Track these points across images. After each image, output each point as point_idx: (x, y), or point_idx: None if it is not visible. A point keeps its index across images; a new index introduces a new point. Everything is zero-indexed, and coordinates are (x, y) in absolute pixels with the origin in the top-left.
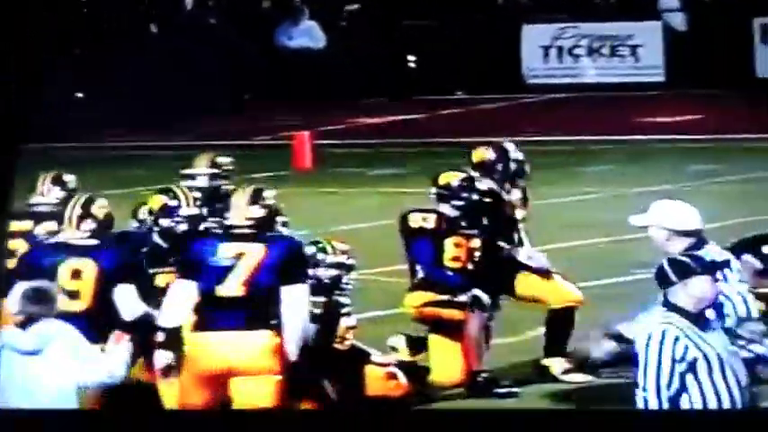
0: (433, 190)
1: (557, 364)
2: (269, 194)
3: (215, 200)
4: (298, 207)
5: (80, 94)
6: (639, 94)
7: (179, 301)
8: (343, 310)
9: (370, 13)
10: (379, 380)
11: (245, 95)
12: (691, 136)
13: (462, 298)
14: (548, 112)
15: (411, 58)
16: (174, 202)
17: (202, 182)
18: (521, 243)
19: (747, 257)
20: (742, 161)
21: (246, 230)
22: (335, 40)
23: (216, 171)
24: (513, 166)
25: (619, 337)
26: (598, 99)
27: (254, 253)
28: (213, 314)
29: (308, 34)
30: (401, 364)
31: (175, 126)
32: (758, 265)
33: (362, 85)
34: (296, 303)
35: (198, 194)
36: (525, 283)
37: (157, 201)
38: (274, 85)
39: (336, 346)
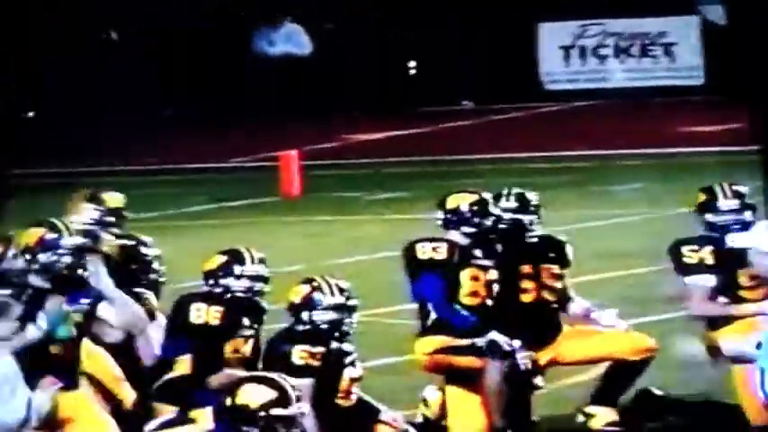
0: (440, 215)
1: (603, 415)
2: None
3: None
4: (285, 239)
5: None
6: (675, 100)
7: None
8: (347, 360)
9: (362, 15)
10: None
11: (221, 112)
12: (735, 147)
13: (479, 342)
14: (570, 123)
15: (411, 64)
16: (53, 235)
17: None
18: (567, 300)
19: None
20: None
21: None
22: (322, 45)
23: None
24: (535, 218)
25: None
26: (627, 106)
27: None
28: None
29: (290, 39)
30: (416, 423)
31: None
32: None
33: (355, 96)
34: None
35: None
36: (577, 340)
37: (33, 234)
38: (254, 99)
39: (340, 402)
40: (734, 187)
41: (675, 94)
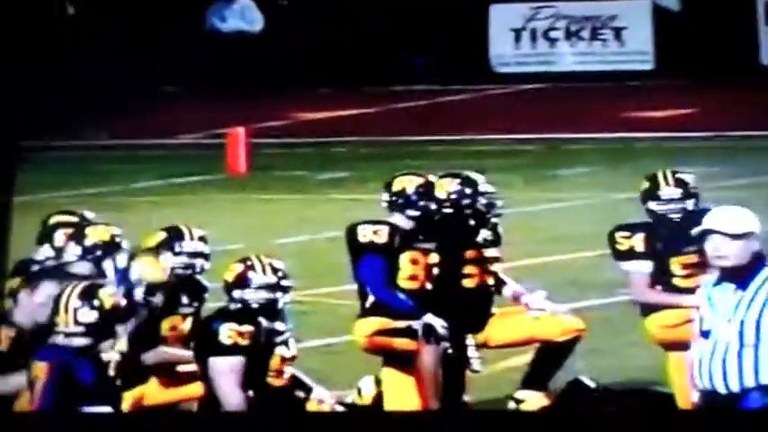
0: (386, 197)
1: (533, 399)
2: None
3: None
4: (230, 217)
5: None
6: (625, 85)
7: None
8: (278, 339)
9: None
10: None
11: (170, 87)
12: (683, 133)
13: (415, 325)
14: (519, 106)
15: (362, 42)
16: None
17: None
18: (500, 284)
19: None
20: (744, 162)
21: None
22: (273, 21)
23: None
24: (481, 201)
25: None
26: (577, 90)
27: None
28: None
29: (242, 15)
30: (348, 404)
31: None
32: None
33: (305, 74)
34: None
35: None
36: (507, 323)
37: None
38: (203, 75)
39: (271, 381)
40: (677, 175)
41: (625, 78)
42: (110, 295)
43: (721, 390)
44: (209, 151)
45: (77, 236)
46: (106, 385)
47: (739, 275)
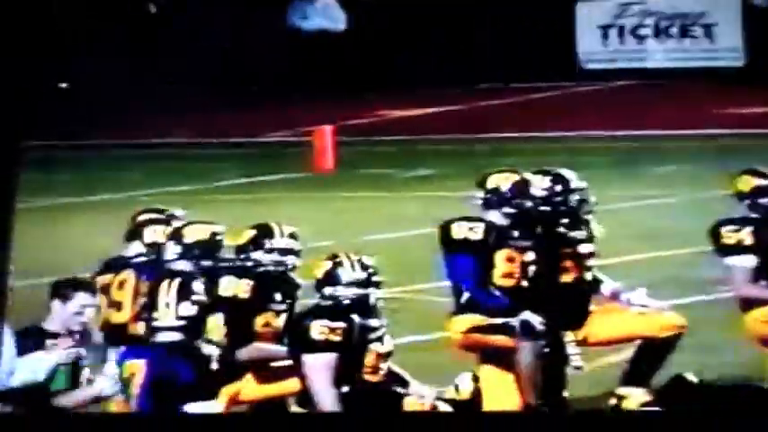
0: (480, 194)
1: (636, 395)
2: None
3: None
4: (317, 214)
5: (64, 85)
6: (715, 81)
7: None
8: (372, 335)
9: None
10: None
11: (254, 86)
12: None
13: (513, 321)
14: (607, 103)
15: (448, 41)
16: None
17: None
18: (597, 281)
19: None
20: None
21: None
22: (357, 19)
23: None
24: (574, 198)
25: None
26: (666, 87)
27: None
28: None
29: (325, 14)
30: (448, 400)
31: (167, 122)
32: None
33: (391, 73)
34: None
35: None
36: (607, 320)
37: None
38: (288, 74)
39: (367, 377)
40: None
41: (716, 75)
42: (204, 289)
43: None
44: (295, 149)
45: (177, 235)
46: (207, 381)
47: None
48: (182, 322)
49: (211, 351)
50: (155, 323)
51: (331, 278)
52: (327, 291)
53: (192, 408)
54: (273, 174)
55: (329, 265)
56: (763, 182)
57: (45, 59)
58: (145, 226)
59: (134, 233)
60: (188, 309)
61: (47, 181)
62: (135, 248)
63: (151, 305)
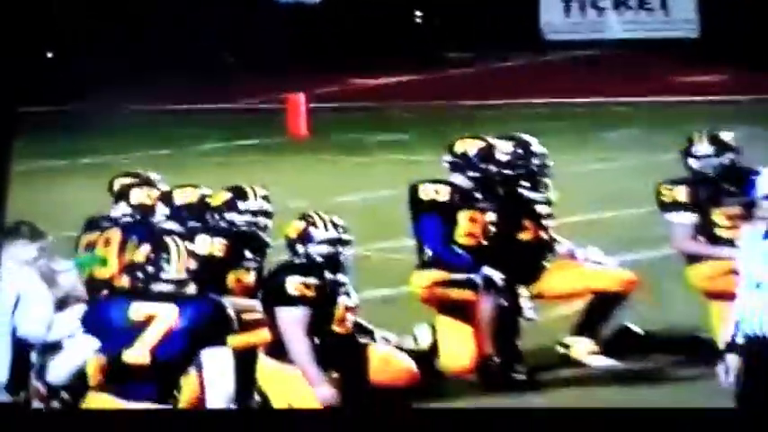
0: (447, 158)
1: (583, 345)
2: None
3: None
4: (292, 177)
5: (50, 54)
6: (670, 51)
7: (74, 358)
8: (342, 290)
9: None
10: (382, 362)
11: (230, 56)
12: (727, 97)
13: (474, 277)
14: (568, 72)
15: (416, 12)
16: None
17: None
18: (553, 241)
19: None
20: None
21: (170, 288)
22: None
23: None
24: (534, 162)
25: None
26: (624, 57)
27: (166, 316)
28: (122, 383)
29: None
30: (407, 350)
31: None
32: None
33: (362, 42)
34: (220, 367)
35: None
36: (561, 276)
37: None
38: (263, 44)
39: (336, 328)
40: (714, 134)
41: (670, 45)
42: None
43: None
44: (270, 116)
45: (166, 197)
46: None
47: None
48: (189, 275)
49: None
50: (162, 275)
51: (304, 237)
52: (300, 249)
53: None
54: (250, 139)
55: (303, 224)
56: (700, 145)
57: (35, 29)
58: (129, 188)
59: (120, 195)
60: (192, 264)
61: (35, 145)
62: (121, 209)
63: (156, 260)
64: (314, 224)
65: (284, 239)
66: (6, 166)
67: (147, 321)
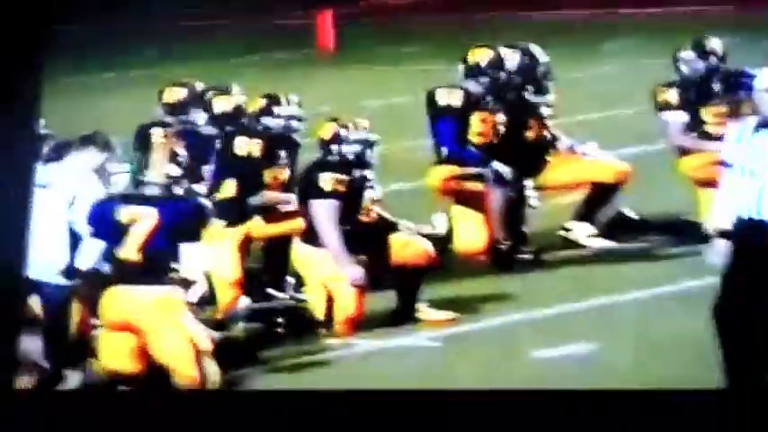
0: (462, 67)
1: (582, 229)
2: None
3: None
4: (321, 86)
5: None
6: None
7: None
8: (368, 184)
9: None
10: (404, 247)
11: None
12: (714, 6)
13: (485, 171)
14: None
15: None
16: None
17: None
18: (554, 138)
19: None
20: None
21: (153, 190)
22: None
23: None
24: (539, 69)
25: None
26: None
27: (148, 218)
28: (119, 274)
29: None
30: (426, 236)
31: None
32: None
33: None
34: (195, 261)
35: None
36: (562, 168)
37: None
38: None
39: (363, 218)
40: (700, 40)
41: None
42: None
43: None
44: (301, 31)
45: (206, 105)
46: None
47: None
48: (168, 180)
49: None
50: (147, 178)
51: (336, 138)
52: (334, 148)
53: (187, 248)
54: (282, 51)
55: (335, 127)
56: (689, 52)
57: None
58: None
59: (171, 104)
60: (174, 170)
61: (80, 60)
62: (170, 117)
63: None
64: (345, 126)
65: (317, 140)
66: (38, 77)
67: (132, 223)
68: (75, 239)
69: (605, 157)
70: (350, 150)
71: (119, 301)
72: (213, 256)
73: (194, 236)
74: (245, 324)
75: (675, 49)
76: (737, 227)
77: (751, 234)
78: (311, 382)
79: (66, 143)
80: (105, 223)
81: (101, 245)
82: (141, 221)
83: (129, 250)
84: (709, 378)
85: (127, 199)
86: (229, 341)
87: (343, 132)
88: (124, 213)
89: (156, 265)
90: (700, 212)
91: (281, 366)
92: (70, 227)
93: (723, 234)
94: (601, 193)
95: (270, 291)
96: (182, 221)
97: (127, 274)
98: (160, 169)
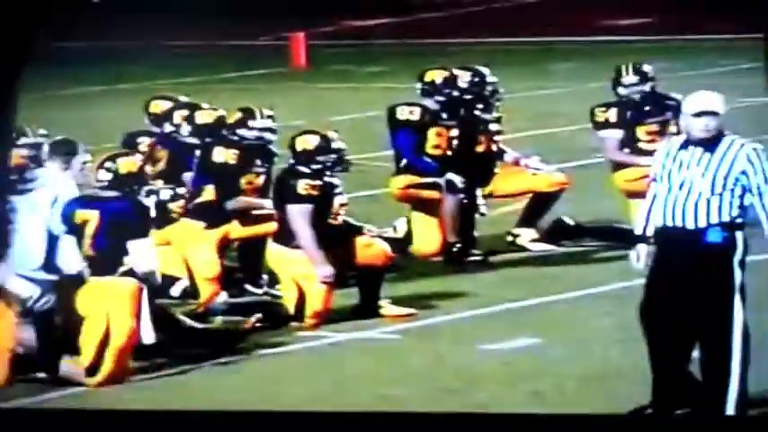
0: (419, 85)
1: (526, 234)
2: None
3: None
4: (294, 101)
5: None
6: None
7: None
8: (336, 190)
9: None
10: (366, 248)
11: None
12: (652, 36)
13: (440, 180)
14: (519, 16)
15: None
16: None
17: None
18: (502, 152)
19: None
20: (690, 58)
21: (96, 194)
22: None
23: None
24: (488, 88)
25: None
26: (566, 3)
27: (92, 219)
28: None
29: None
30: (387, 239)
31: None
32: None
33: None
34: (142, 256)
35: None
36: (508, 179)
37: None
38: None
39: (331, 221)
40: (637, 66)
41: None
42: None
43: (690, 226)
44: (276, 51)
45: (189, 117)
46: (147, 225)
47: (707, 142)
48: (103, 184)
49: (150, 202)
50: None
51: (321, 149)
52: (320, 157)
53: (134, 245)
54: (259, 69)
55: (317, 139)
56: (627, 76)
57: None
58: (166, 109)
59: (155, 114)
60: (106, 175)
61: (76, 73)
62: (155, 126)
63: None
64: (325, 138)
65: (300, 150)
66: (16, 84)
67: (83, 223)
68: (51, 238)
69: (547, 169)
70: (323, 160)
71: (84, 292)
72: (159, 252)
73: (139, 232)
74: (224, 317)
75: (615, 72)
76: (659, 234)
77: (671, 240)
78: (285, 373)
79: (44, 148)
80: (69, 224)
81: (74, 240)
82: (89, 222)
83: (85, 249)
84: (637, 367)
85: (80, 201)
86: (209, 332)
87: (324, 144)
88: (77, 215)
89: (105, 262)
90: (630, 220)
91: (254, 355)
92: (48, 227)
93: (645, 239)
94: (542, 202)
95: (247, 287)
96: (120, 220)
97: (91, 268)
98: (93, 177)
